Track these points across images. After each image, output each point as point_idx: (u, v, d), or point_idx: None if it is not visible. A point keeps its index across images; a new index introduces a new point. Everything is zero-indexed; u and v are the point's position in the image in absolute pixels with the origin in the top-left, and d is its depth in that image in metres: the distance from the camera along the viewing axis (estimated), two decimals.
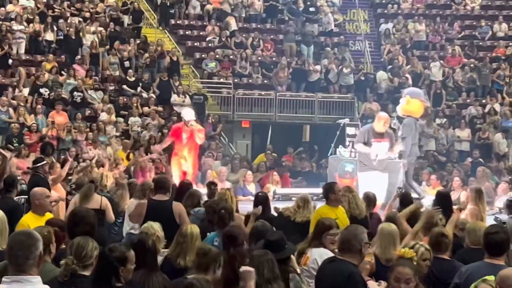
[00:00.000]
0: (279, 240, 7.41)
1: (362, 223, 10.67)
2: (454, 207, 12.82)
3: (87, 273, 6.30)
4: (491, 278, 6.03)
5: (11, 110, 23.05)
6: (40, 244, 5.15)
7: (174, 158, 18.44)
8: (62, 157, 18.91)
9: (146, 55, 27.55)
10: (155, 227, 8.16)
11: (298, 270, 7.68)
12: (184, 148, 18.17)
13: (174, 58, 27.65)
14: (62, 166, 16.69)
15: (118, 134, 23.51)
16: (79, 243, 6.44)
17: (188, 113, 18.57)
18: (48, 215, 9.11)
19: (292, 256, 7.68)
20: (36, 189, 9.81)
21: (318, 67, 28.68)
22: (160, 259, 7.88)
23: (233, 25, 30.18)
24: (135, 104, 24.93)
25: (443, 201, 11.31)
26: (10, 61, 25.29)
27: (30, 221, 9.15)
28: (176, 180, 16.44)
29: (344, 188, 11.72)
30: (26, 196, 14.00)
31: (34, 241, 5.11)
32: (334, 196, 10.53)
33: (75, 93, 24.54)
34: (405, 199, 11.88)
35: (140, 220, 10.16)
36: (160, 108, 25.39)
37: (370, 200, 11.92)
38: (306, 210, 11.07)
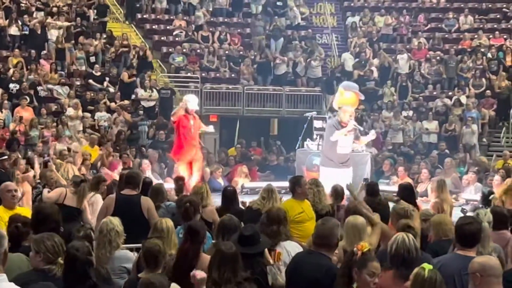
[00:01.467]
0: (253, 235, 7.39)
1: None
2: (421, 198, 12.96)
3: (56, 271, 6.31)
4: (428, 266, 6.01)
5: None
6: (5, 241, 5.11)
7: (182, 156, 17.10)
8: (28, 154, 18.81)
9: (112, 49, 27.42)
10: (114, 222, 8.11)
11: (271, 262, 7.67)
12: (193, 138, 16.95)
13: (142, 53, 27.54)
14: (28, 162, 16.62)
15: (85, 128, 23.37)
16: (42, 239, 6.41)
17: (194, 101, 17.30)
18: (20, 209, 9.10)
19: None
20: (8, 182, 9.89)
21: (284, 60, 28.68)
22: (122, 253, 7.89)
23: (202, 19, 30.13)
24: (102, 99, 24.80)
25: (405, 193, 11.38)
26: None
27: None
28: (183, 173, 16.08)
29: (310, 181, 11.74)
30: None
31: None
32: (300, 190, 10.58)
33: (40, 88, 24.37)
34: (371, 189, 11.90)
35: (108, 214, 10.06)
36: (126, 102, 25.25)
37: (337, 193, 11.92)
38: (271, 201, 11.06)
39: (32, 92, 24.16)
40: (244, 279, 6.66)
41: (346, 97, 17.24)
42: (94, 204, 11.61)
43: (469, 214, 10.85)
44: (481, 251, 7.91)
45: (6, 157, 14.00)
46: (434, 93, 27.89)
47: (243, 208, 11.84)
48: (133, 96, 25.75)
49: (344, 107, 16.49)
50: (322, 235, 7.03)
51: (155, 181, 15.12)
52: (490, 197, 12.27)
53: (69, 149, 20.25)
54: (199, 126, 17.09)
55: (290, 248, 8.24)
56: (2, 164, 13.74)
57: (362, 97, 17.98)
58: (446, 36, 30.76)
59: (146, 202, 10.24)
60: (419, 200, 11.68)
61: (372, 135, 16.59)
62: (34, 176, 15.17)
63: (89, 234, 7.83)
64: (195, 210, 9.22)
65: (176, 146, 17.36)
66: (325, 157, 16.14)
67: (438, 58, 28.89)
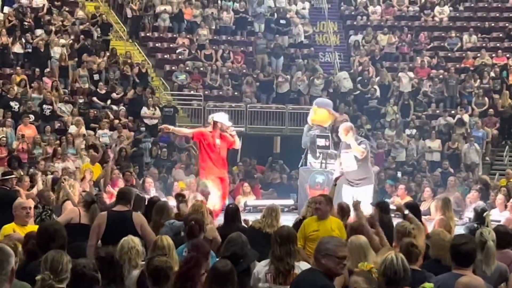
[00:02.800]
0: (233, 254, 7.35)
1: None
2: (424, 217, 12.92)
3: (64, 285, 6.24)
4: (429, 286, 6.00)
5: None
6: (13, 260, 5.10)
7: (208, 172, 16.45)
8: (31, 172, 18.80)
9: (116, 67, 27.50)
10: (136, 241, 8.06)
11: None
12: (218, 156, 16.38)
13: (144, 71, 27.61)
14: (31, 180, 16.61)
15: (87, 146, 23.34)
16: (54, 257, 6.35)
17: (225, 118, 16.81)
18: (31, 227, 9.10)
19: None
20: (17, 200, 9.92)
21: (288, 79, 28.73)
22: (137, 272, 7.85)
23: (206, 36, 30.22)
24: (105, 117, 24.84)
25: (411, 212, 11.34)
26: None
27: (11, 231, 9.24)
28: (215, 200, 15.84)
29: (310, 199, 11.71)
30: None
31: (6, 256, 5.06)
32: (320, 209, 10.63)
33: (44, 106, 24.40)
34: (384, 207, 11.80)
35: (100, 232, 10.02)
36: (130, 124, 25.21)
37: (343, 210, 11.79)
38: (271, 219, 11.01)
39: (35, 110, 24.19)
40: None
41: (319, 114, 17.55)
42: None
43: (465, 233, 10.85)
44: (484, 270, 7.91)
45: (14, 175, 13.98)
46: (437, 111, 27.90)
47: (246, 226, 11.80)
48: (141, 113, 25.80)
49: (344, 124, 16.49)
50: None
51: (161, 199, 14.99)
52: (484, 214, 12.19)
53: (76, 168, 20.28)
54: (229, 146, 16.50)
55: (304, 268, 8.20)
56: (10, 182, 13.72)
57: (337, 115, 18.02)
58: (449, 54, 30.80)
59: (138, 218, 10.08)
60: (423, 219, 11.58)
61: (363, 147, 16.19)
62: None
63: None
64: (200, 228, 9.20)
65: (200, 162, 16.93)
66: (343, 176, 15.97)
67: (441, 76, 28.92)
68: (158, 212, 10.96)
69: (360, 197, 14.63)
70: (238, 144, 16.56)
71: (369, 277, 6.65)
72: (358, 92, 28.98)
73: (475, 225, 12.11)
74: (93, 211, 11.13)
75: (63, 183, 14.94)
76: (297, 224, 11.02)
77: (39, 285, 6.16)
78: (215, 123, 16.45)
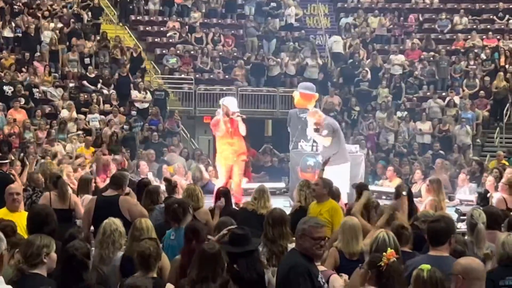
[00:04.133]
0: (244, 235, 7.37)
1: None
2: (415, 199, 12.95)
3: (39, 271, 6.22)
4: (426, 267, 6.00)
5: None
6: (3, 244, 5.09)
7: (221, 158, 16.27)
8: (21, 156, 18.76)
9: (106, 51, 27.43)
10: (117, 222, 8.07)
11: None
12: (233, 141, 16.06)
13: (135, 54, 27.55)
14: (21, 164, 16.58)
15: (79, 131, 23.32)
16: (27, 242, 6.37)
17: (234, 103, 16.49)
18: (21, 214, 9.08)
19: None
20: (13, 185, 9.91)
21: (279, 61, 28.72)
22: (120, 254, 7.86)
23: (196, 20, 30.16)
24: (95, 101, 24.78)
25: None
26: None
27: (1, 216, 9.22)
28: (220, 182, 15.68)
29: (301, 183, 11.70)
30: None
31: None
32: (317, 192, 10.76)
33: (34, 90, 24.33)
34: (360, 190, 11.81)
35: (89, 216, 10.05)
36: (121, 108, 25.19)
37: (333, 193, 11.75)
38: (263, 201, 11.03)
39: (25, 94, 24.11)
40: (223, 282, 6.63)
41: (298, 98, 17.81)
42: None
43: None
44: (476, 252, 7.93)
45: (8, 160, 13.95)
46: (428, 93, 27.92)
47: (237, 209, 11.81)
48: (130, 97, 25.77)
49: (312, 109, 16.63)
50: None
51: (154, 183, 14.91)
52: (488, 195, 12.23)
53: (70, 156, 20.24)
54: (236, 129, 16.13)
55: None
56: (5, 167, 13.72)
57: (311, 97, 18.03)
58: (440, 37, 30.80)
59: (125, 202, 10.06)
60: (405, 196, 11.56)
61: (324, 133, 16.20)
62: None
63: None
64: (184, 211, 9.12)
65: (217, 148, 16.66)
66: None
67: (431, 59, 28.93)
68: (148, 196, 10.95)
69: (337, 175, 14.84)
70: (243, 130, 16.16)
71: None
72: (351, 61, 29.16)
73: (481, 208, 12.13)
74: (61, 186, 11.18)
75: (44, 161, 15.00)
76: (296, 212, 11.00)
77: (14, 269, 6.16)
78: (223, 107, 16.30)
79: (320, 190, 10.76)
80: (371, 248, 7.31)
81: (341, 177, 14.96)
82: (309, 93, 17.87)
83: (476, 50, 29.04)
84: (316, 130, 15.68)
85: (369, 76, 28.20)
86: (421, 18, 31.85)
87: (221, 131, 15.84)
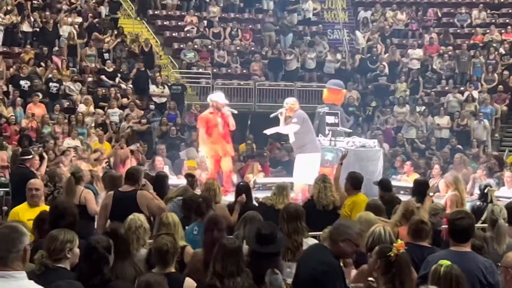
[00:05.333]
0: (272, 233, 7.36)
1: (332, 214, 10.75)
2: (435, 194, 12.91)
3: (63, 265, 6.24)
4: (445, 262, 6.00)
5: None
6: (26, 239, 5.09)
7: (211, 150, 16.41)
8: (39, 150, 18.83)
9: (125, 46, 27.49)
10: (141, 218, 8.10)
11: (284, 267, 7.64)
12: (221, 134, 16.29)
13: (152, 49, 27.58)
14: (40, 159, 16.65)
15: (96, 124, 23.38)
16: (51, 236, 6.37)
17: (221, 96, 16.80)
18: (44, 207, 9.11)
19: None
20: (33, 180, 9.94)
21: (295, 55, 28.68)
22: (144, 251, 7.89)
23: (214, 15, 30.18)
24: (113, 96, 24.84)
25: (421, 189, 11.36)
26: None
27: (21, 211, 9.27)
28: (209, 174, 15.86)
29: (317, 177, 11.73)
30: (7, 189, 14.03)
31: (18, 234, 5.05)
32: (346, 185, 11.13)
33: (52, 85, 24.41)
34: (386, 186, 11.82)
35: (107, 211, 10.07)
36: (138, 102, 25.24)
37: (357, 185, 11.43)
38: (282, 197, 11.08)
39: (44, 88, 24.20)
40: (247, 276, 6.67)
41: (328, 94, 18.70)
42: None
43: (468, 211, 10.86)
44: (496, 248, 7.91)
45: (31, 156, 13.99)
46: (446, 88, 27.83)
47: (257, 204, 11.83)
48: (150, 91, 25.87)
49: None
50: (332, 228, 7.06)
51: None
52: (486, 191, 12.14)
53: (87, 146, 20.33)
54: (227, 123, 16.39)
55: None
56: (29, 162, 13.74)
57: (339, 93, 18.62)
58: (458, 31, 30.69)
59: (143, 197, 10.07)
60: (433, 196, 11.57)
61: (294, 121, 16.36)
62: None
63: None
64: (208, 206, 9.22)
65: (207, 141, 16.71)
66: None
67: (450, 53, 28.83)
68: (180, 189, 11.02)
69: (307, 163, 15.13)
70: (232, 125, 16.42)
71: None
72: (368, 55, 29.07)
73: (478, 203, 12.09)
74: (67, 182, 11.21)
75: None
76: (304, 205, 11.02)
77: (37, 263, 6.19)
78: (212, 103, 16.49)
79: (345, 184, 10.95)
80: (367, 241, 7.35)
81: (311, 165, 15.46)
82: (337, 88, 18.28)
83: (494, 45, 28.91)
84: (288, 118, 15.97)
85: (386, 70, 28.13)
86: (439, 13, 31.71)
87: (204, 127, 16.22)
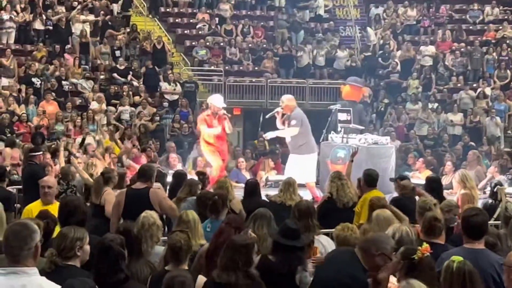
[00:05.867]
0: (298, 230, 7.35)
1: (351, 211, 10.74)
2: (447, 191, 12.88)
3: (73, 262, 6.23)
4: (457, 258, 5.97)
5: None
6: (37, 236, 5.12)
7: (210, 148, 16.57)
8: (53, 146, 18.88)
9: (137, 43, 27.53)
10: (154, 215, 8.11)
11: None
12: (219, 137, 16.47)
13: (163, 46, 27.58)
14: (52, 156, 16.70)
15: (108, 122, 23.42)
16: (61, 234, 6.38)
17: (219, 100, 16.85)
18: (56, 205, 9.11)
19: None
20: (46, 178, 9.95)
21: (306, 52, 28.64)
22: (160, 248, 7.91)
23: (225, 12, 30.18)
24: (125, 93, 24.87)
25: (433, 186, 11.32)
26: None
27: (34, 209, 9.29)
28: (215, 172, 15.90)
29: (333, 174, 11.68)
30: (19, 186, 14.06)
31: (30, 232, 5.09)
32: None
33: (65, 82, 24.46)
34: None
35: (119, 209, 10.07)
36: (150, 99, 25.29)
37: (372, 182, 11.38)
38: (288, 194, 11.07)
39: (56, 86, 24.26)
40: (250, 273, 6.64)
41: (345, 90, 19.07)
42: None
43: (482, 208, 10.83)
44: (510, 245, 7.87)
45: (40, 152, 14.02)
46: (459, 85, 27.76)
47: (268, 201, 11.83)
48: (159, 89, 25.87)
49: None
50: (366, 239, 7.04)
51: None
52: (495, 189, 12.11)
53: (98, 143, 20.39)
54: (223, 127, 16.43)
55: (325, 243, 8.23)
56: (38, 158, 13.77)
57: (360, 90, 18.65)
58: (471, 27, 30.59)
59: (155, 195, 10.09)
60: (445, 193, 11.55)
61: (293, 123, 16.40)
62: None
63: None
64: (223, 203, 9.23)
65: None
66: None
67: (462, 50, 28.75)
68: (187, 186, 10.97)
69: (304, 164, 15.65)
70: (229, 128, 16.48)
71: None
72: (380, 52, 29.01)
73: (490, 201, 12.07)
74: (96, 185, 11.21)
75: (72, 158, 15.06)
76: (324, 203, 11.01)
77: (47, 261, 6.20)
78: (210, 105, 16.67)
79: (360, 182, 10.96)
80: (393, 236, 7.31)
81: (308, 166, 15.87)
82: (358, 85, 18.34)
83: (507, 41, 28.81)
84: (283, 116, 16.27)
85: (399, 67, 28.10)
86: (452, 9, 31.62)
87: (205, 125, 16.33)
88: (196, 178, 12.17)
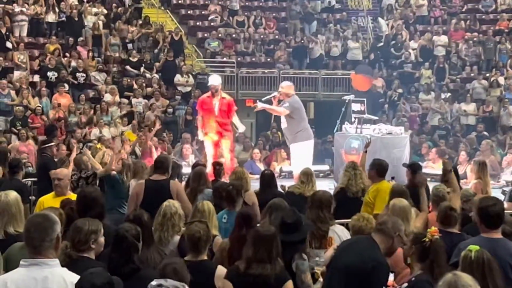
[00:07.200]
0: (295, 222, 7.36)
1: (361, 201, 10.77)
2: (461, 181, 12.88)
3: (87, 254, 6.26)
4: (474, 247, 5.98)
5: (12, 93, 23.00)
6: (58, 227, 5.16)
7: (205, 134, 16.38)
8: (68, 139, 18.97)
9: (148, 35, 27.55)
10: (176, 205, 8.16)
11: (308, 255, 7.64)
12: (215, 120, 16.17)
13: (177, 38, 27.60)
14: (67, 148, 16.75)
15: (122, 114, 23.47)
16: (75, 227, 6.38)
17: (215, 79, 16.68)
18: (70, 196, 9.15)
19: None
20: (58, 170, 9.99)
21: (318, 43, 28.60)
22: (176, 238, 7.94)
23: (237, 3, 30.16)
24: (138, 85, 24.91)
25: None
26: (9, 44, 25.13)
27: (46, 201, 9.33)
28: (209, 160, 15.62)
29: (348, 164, 11.73)
30: (34, 179, 14.12)
31: (50, 223, 5.13)
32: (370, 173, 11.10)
33: (78, 75, 24.52)
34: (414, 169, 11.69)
35: (138, 200, 10.13)
36: (164, 91, 25.33)
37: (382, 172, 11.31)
38: (310, 184, 11.12)
39: (69, 79, 24.32)
40: (279, 266, 6.68)
41: (354, 80, 18.23)
42: None
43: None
44: None
45: (53, 143, 14.07)
46: (472, 74, 27.68)
47: (283, 191, 11.83)
48: (175, 81, 25.89)
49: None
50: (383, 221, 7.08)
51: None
52: None
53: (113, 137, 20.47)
54: (229, 110, 16.26)
55: (340, 233, 8.24)
56: (50, 150, 13.81)
57: (368, 80, 18.58)
58: (483, 17, 30.49)
59: (175, 186, 10.25)
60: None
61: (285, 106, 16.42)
62: None
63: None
64: (238, 193, 9.26)
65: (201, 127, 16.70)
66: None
67: (475, 39, 28.65)
68: (195, 179, 11.00)
69: (302, 151, 15.87)
70: (234, 103, 16.64)
71: None
72: (393, 42, 28.95)
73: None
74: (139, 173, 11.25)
75: (85, 149, 15.12)
76: (337, 194, 11.02)
77: (61, 253, 6.24)
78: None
79: (369, 171, 11.03)
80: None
81: (306, 152, 15.99)
82: (366, 76, 18.30)
83: None
84: (280, 102, 16.30)
85: (412, 57, 28.05)
86: None
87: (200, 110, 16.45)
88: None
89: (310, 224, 7.76)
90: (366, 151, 13.01)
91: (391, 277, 7.07)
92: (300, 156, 15.97)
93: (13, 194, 7.37)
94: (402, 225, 6.99)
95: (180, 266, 5.90)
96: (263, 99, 16.88)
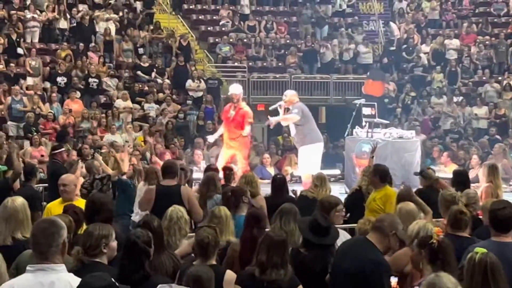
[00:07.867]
0: (328, 227, 7.39)
1: None
2: (473, 185, 12.81)
3: (99, 259, 6.27)
4: (481, 250, 5.95)
5: (25, 99, 23.05)
6: (64, 232, 5.16)
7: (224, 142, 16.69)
8: (79, 145, 19.00)
9: (160, 41, 27.59)
10: (182, 209, 8.18)
11: None
12: (227, 129, 16.41)
13: (185, 43, 27.59)
14: (78, 154, 16.79)
15: (134, 119, 23.52)
16: (86, 232, 6.41)
17: (236, 88, 16.80)
18: (77, 202, 9.14)
19: None
20: (64, 176, 9.97)
21: (329, 47, 28.57)
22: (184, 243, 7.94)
23: (248, 8, 30.18)
24: (150, 90, 24.94)
25: (460, 179, 11.26)
26: (20, 50, 25.21)
27: (53, 207, 9.31)
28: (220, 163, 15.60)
29: (364, 169, 11.71)
30: (45, 184, 14.13)
31: (57, 228, 5.13)
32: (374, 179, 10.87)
33: (90, 80, 24.57)
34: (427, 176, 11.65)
35: (149, 206, 10.15)
36: (175, 96, 25.36)
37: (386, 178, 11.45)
38: (324, 189, 11.10)
39: (81, 84, 24.37)
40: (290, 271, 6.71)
41: (369, 85, 18.23)
42: None
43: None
44: None
45: (63, 149, 14.08)
46: (484, 78, 27.61)
47: (294, 196, 11.81)
48: (186, 86, 25.90)
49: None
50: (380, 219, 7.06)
51: None
52: None
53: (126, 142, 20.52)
54: (243, 117, 16.24)
55: (342, 237, 8.22)
56: (60, 156, 13.82)
57: (381, 85, 18.59)
58: (495, 20, 30.40)
59: (186, 191, 10.28)
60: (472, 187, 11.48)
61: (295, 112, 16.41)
62: None
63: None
64: (236, 199, 9.27)
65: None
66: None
67: (487, 43, 28.58)
68: (204, 184, 10.99)
69: (312, 153, 15.90)
70: (248, 118, 16.33)
71: None
72: (405, 46, 28.87)
73: None
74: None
75: (97, 155, 15.13)
76: (352, 194, 11.02)
77: (73, 259, 6.24)
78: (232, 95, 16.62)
79: (372, 178, 10.82)
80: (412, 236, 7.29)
81: (314, 155, 16.04)
82: (380, 81, 18.26)
83: None
84: (286, 110, 16.36)
85: (423, 61, 28.00)
86: (475, 2, 31.44)
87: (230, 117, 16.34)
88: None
89: (337, 231, 7.77)
90: (373, 156, 12.99)
91: (394, 279, 7.02)
92: (307, 159, 15.97)
93: (19, 200, 7.37)
94: (400, 224, 6.96)
95: (206, 276, 6.00)
96: (270, 108, 16.92)
